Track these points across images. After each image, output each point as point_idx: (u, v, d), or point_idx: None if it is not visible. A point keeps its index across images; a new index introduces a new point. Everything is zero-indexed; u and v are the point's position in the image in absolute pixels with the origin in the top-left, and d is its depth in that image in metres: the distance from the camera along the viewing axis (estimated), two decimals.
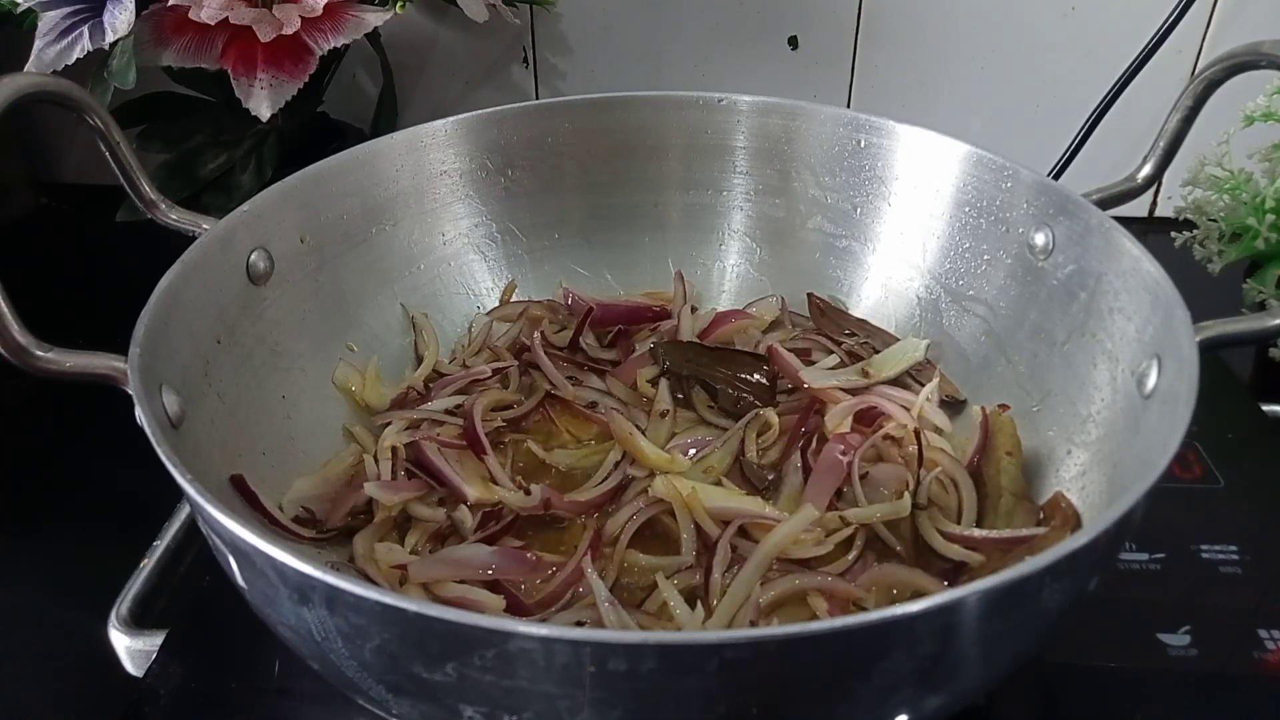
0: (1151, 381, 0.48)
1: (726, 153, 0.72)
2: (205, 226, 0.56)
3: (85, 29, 0.68)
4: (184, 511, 0.63)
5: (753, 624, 0.47)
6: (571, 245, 0.73)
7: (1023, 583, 0.35)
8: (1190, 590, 0.56)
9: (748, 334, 0.69)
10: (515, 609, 0.49)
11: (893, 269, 0.68)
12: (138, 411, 0.43)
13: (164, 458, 0.41)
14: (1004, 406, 0.58)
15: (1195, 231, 0.80)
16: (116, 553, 0.61)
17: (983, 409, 0.58)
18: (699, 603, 0.49)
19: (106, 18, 0.68)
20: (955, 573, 0.52)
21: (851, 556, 0.52)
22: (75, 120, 0.52)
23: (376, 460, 0.58)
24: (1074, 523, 0.50)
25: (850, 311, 0.70)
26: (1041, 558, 0.35)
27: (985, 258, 0.63)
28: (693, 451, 0.60)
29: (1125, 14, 0.88)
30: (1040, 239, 0.59)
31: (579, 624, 0.48)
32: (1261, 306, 0.76)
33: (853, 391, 0.62)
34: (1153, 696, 0.51)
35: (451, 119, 0.68)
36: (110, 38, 0.67)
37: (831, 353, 0.66)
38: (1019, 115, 0.94)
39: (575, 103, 0.71)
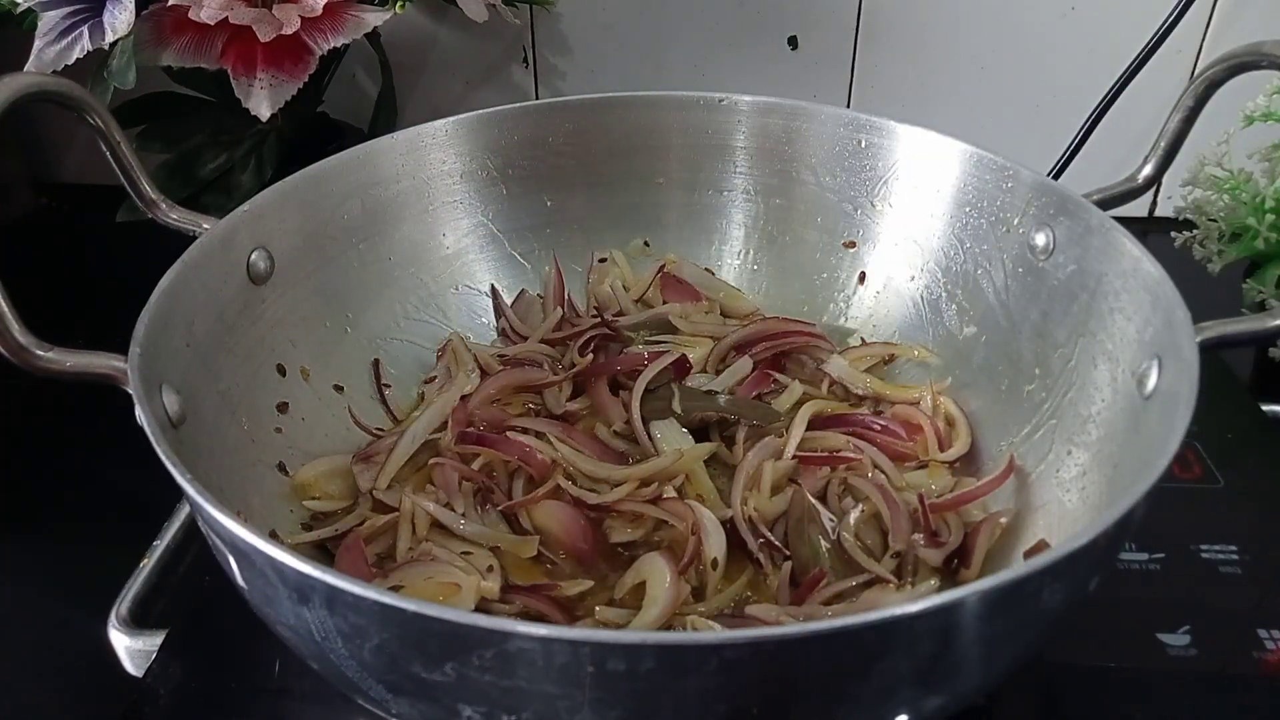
0: (1152, 382, 0.48)
1: (727, 153, 0.72)
2: (205, 226, 0.56)
3: (85, 29, 0.68)
4: (184, 511, 0.63)
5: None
6: (572, 245, 0.73)
7: (1022, 583, 0.35)
8: (1190, 590, 0.56)
9: None
10: None
11: (894, 269, 0.68)
12: (138, 411, 0.43)
13: (164, 457, 0.41)
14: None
15: (1195, 231, 0.80)
16: (116, 552, 0.61)
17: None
18: None
19: (106, 18, 0.68)
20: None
21: None
22: (75, 120, 0.52)
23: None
24: None
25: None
26: (1041, 558, 0.35)
27: (986, 258, 0.63)
28: None
29: (1125, 14, 0.88)
30: (1041, 239, 0.59)
31: None
32: (1261, 306, 0.76)
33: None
34: (1153, 696, 0.51)
35: (451, 119, 0.68)
36: (110, 38, 0.67)
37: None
38: (1019, 115, 0.94)
39: (575, 103, 0.71)
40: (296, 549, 0.51)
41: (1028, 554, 0.51)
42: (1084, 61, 0.90)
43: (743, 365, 0.65)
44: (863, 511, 0.54)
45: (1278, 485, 0.63)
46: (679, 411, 0.60)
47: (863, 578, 0.51)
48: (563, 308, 0.71)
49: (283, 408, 0.59)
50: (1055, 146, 0.91)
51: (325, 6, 0.71)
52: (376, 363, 0.66)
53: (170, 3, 0.69)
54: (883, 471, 0.58)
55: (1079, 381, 0.55)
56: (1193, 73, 0.90)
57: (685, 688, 0.34)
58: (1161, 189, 0.95)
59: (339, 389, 0.63)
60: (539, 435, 0.59)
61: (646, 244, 0.74)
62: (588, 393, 0.64)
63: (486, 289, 0.72)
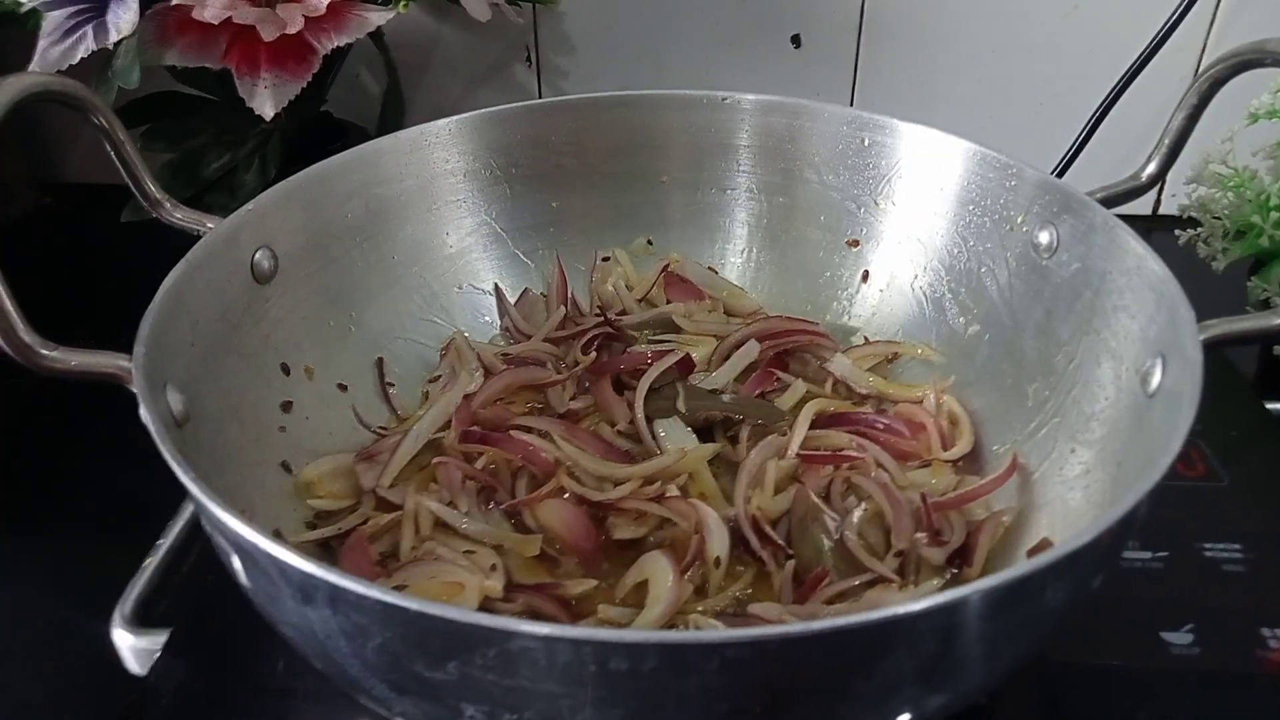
0: (1156, 380, 0.48)
1: (730, 151, 0.72)
2: (209, 226, 0.56)
3: (89, 29, 0.68)
4: (187, 510, 0.63)
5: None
6: (574, 244, 0.73)
7: (1026, 582, 0.35)
8: (1193, 588, 0.56)
9: None
10: None
11: (897, 268, 0.68)
12: (142, 410, 0.44)
13: (168, 456, 0.41)
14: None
15: (1199, 229, 0.80)
16: (120, 552, 0.61)
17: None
18: None
19: (110, 17, 0.68)
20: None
21: None
22: (79, 120, 0.52)
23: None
24: None
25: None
26: (1045, 556, 0.35)
27: (989, 256, 0.63)
28: None
29: (1128, 12, 0.87)
30: (1044, 237, 0.59)
31: None
32: (1266, 304, 0.76)
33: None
34: (1155, 695, 0.51)
35: (454, 118, 0.68)
36: (114, 37, 0.67)
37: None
38: (1022, 113, 0.94)
39: (578, 102, 0.71)
40: (300, 548, 0.51)
41: (1031, 552, 0.51)
42: (1087, 59, 0.90)
43: (749, 350, 0.65)
44: (865, 510, 0.54)
45: None
46: (683, 410, 0.60)
47: (866, 577, 0.51)
48: (565, 307, 0.71)
49: (286, 407, 0.59)
50: (1059, 144, 0.91)
51: (329, 6, 0.71)
52: (380, 361, 0.66)
53: (174, 2, 0.69)
54: (886, 470, 0.58)
55: (1083, 379, 0.55)
56: (1196, 70, 0.89)
57: (688, 687, 0.34)
58: (1165, 187, 0.95)
59: (343, 388, 0.63)
60: (542, 434, 0.59)
61: (650, 243, 0.74)
62: (591, 391, 0.64)
63: (490, 288, 0.72)
